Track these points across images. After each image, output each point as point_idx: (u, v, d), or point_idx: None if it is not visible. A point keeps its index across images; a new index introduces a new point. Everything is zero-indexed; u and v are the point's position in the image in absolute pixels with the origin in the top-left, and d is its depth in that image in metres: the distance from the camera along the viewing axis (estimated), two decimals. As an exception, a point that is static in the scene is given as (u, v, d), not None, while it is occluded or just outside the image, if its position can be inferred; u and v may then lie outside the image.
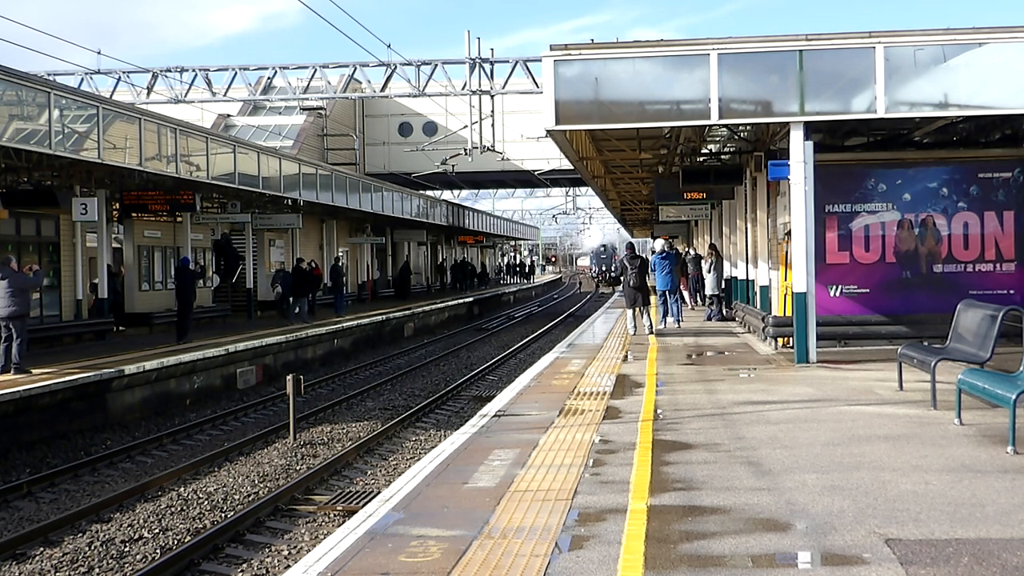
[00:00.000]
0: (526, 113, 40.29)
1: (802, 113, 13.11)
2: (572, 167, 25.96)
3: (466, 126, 31.64)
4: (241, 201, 27.58)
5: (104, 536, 9.51)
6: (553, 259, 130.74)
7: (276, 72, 31.57)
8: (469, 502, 6.46)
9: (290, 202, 28.64)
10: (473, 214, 56.05)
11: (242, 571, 8.58)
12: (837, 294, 15.14)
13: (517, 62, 29.48)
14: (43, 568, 8.62)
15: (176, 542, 9.34)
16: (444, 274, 56.33)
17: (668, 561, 5.06)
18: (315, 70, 30.87)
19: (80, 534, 9.63)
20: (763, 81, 13.43)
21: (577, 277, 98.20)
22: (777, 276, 17.14)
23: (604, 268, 77.59)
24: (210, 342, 20.22)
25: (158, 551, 9.07)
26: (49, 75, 26.69)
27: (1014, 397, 7.30)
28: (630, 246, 24.28)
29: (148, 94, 30.35)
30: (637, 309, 19.16)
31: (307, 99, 36.73)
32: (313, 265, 28.07)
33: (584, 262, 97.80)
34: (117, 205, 24.73)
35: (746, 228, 21.09)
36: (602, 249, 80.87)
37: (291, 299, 26.76)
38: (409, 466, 11.45)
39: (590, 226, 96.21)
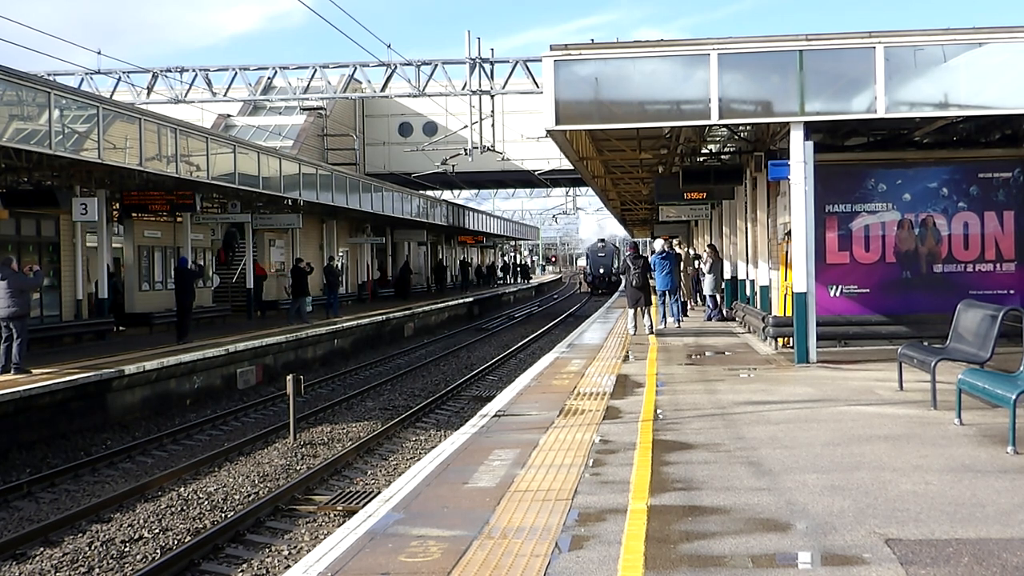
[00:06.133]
0: (526, 113, 40.27)
1: (802, 113, 13.11)
2: (572, 167, 25.95)
3: (466, 126, 31.64)
4: (241, 201, 27.58)
5: (104, 536, 9.51)
6: (553, 259, 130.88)
7: (276, 72, 31.59)
8: (469, 502, 6.46)
9: (290, 202, 28.64)
10: (473, 214, 56.04)
11: (242, 571, 8.58)
12: (837, 294, 15.14)
13: (517, 62, 29.50)
14: (43, 568, 8.61)
15: (176, 542, 9.34)
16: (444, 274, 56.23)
17: (668, 561, 5.06)
18: (315, 70, 30.88)
19: (80, 534, 9.63)
20: (763, 81, 13.43)
21: (577, 277, 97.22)
22: (777, 276, 17.13)
23: (603, 270, 65.11)
24: (210, 342, 20.23)
25: (158, 551, 9.07)
26: (49, 75, 26.70)
27: (1014, 397, 7.30)
28: (633, 245, 24.26)
29: (148, 94, 30.36)
30: (638, 309, 19.15)
31: (307, 99, 36.74)
32: (311, 267, 28.06)
33: (583, 262, 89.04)
34: (117, 205, 24.73)
35: (746, 228, 21.08)
36: (600, 247, 67.14)
37: (290, 299, 26.76)
38: (409, 466, 11.44)
39: (580, 221, 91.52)
